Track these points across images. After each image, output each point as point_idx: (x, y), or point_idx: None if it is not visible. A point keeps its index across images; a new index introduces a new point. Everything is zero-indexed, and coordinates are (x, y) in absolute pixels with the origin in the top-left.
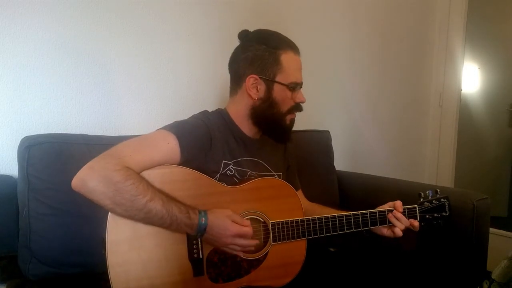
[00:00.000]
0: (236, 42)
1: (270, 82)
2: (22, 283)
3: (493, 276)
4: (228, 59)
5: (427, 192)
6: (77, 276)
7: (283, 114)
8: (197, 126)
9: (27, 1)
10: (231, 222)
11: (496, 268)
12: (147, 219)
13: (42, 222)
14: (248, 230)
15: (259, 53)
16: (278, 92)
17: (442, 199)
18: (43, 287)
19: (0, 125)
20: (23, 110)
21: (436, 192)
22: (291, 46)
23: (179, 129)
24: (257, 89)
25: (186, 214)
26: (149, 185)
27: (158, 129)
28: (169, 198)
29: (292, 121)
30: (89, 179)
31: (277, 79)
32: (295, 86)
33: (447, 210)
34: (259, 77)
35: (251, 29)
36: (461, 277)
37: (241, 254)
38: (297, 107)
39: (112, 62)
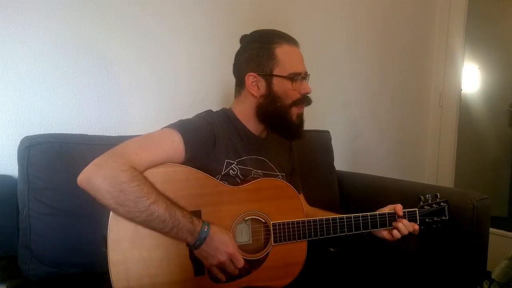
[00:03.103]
0: (236, 42)
1: (268, 77)
2: (22, 283)
3: (493, 276)
4: (229, 59)
5: (427, 195)
6: (77, 276)
7: (287, 107)
8: (201, 124)
9: (27, 1)
10: (232, 240)
11: (496, 268)
12: (148, 222)
13: (42, 222)
14: (242, 259)
15: (254, 52)
16: (278, 85)
17: (442, 203)
18: (43, 287)
19: (0, 125)
20: (23, 110)
21: (436, 196)
22: (285, 39)
23: (183, 128)
24: (258, 87)
25: (189, 219)
26: (153, 187)
27: (163, 128)
28: (172, 203)
29: (300, 117)
30: (95, 177)
31: (275, 72)
32: (295, 76)
33: (446, 214)
34: (257, 74)
35: (251, 29)
36: (461, 277)
37: (223, 278)
38: (304, 99)
39: (112, 62)
